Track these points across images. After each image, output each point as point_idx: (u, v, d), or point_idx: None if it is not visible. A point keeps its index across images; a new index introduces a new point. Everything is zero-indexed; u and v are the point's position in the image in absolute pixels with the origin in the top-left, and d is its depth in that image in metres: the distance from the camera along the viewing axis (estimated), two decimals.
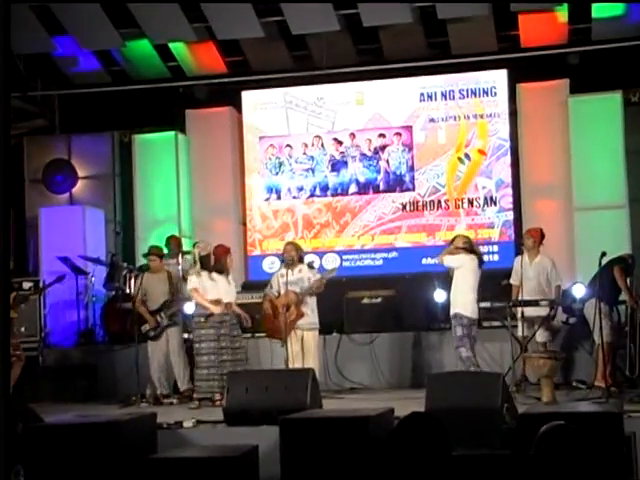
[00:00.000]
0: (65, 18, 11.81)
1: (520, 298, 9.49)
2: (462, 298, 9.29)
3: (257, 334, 10.48)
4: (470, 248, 9.47)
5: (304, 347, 9.69)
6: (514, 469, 5.19)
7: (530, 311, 9.47)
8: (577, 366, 9.91)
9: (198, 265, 9.72)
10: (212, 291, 9.45)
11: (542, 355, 8.56)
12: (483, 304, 9.76)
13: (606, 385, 8.57)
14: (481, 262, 9.47)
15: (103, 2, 11.60)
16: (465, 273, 9.34)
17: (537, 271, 9.72)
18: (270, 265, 12.17)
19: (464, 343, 9.20)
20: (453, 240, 9.70)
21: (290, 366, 9.42)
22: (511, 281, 9.98)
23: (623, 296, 9.34)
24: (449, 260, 9.49)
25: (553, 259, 9.82)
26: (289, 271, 9.74)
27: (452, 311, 9.32)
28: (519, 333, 9.54)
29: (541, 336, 9.61)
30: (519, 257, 9.93)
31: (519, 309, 9.46)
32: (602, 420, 5.89)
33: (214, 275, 9.52)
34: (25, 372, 9.84)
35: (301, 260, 9.99)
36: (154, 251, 10.34)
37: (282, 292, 9.65)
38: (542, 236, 9.90)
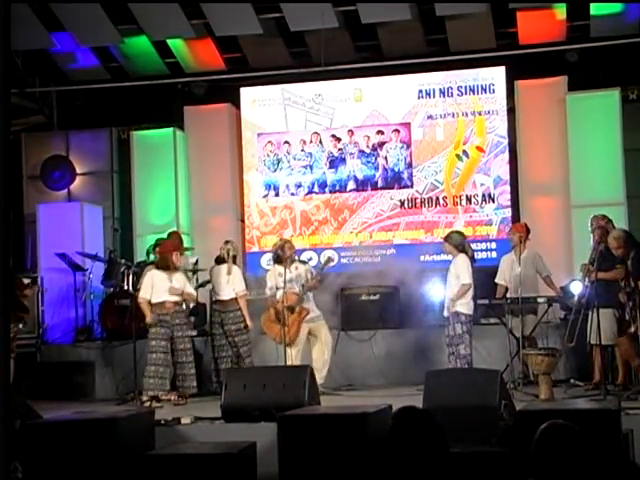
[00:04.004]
0: (63, 15, 11.81)
1: (511, 295, 9.53)
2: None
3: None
4: (462, 247, 9.49)
5: (320, 339, 9.74)
6: (512, 466, 5.20)
7: (526, 307, 9.46)
8: (575, 363, 9.90)
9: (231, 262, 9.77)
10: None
11: (540, 352, 8.55)
12: (481, 301, 9.76)
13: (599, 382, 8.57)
14: (472, 259, 9.48)
15: (102, 0, 11.60)
16: (460, 271, 9.33)
17: (525, 266, 9.74)
18: (268, 262, 12.13)
19: (464, 340, 9.20)
20: (447, 237, 9.69)
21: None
22: (497, 280, 10.00)
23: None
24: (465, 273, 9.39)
25: (538, 252, 9.84)
26: (286, 269, 9.75)
27: (451, 310, 9.31)
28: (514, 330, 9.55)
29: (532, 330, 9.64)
30: (505, 256, 10.04)
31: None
32: (600, 417, 5.88)
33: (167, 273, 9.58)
34: (23, 368, 9.83)
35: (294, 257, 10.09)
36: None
37: (281, 292, 9.67)
38: (527, 231, 9.95)
